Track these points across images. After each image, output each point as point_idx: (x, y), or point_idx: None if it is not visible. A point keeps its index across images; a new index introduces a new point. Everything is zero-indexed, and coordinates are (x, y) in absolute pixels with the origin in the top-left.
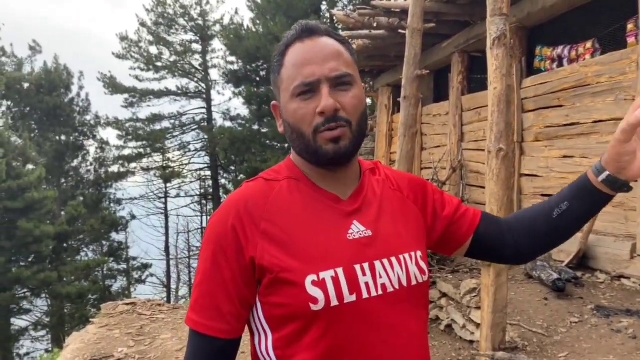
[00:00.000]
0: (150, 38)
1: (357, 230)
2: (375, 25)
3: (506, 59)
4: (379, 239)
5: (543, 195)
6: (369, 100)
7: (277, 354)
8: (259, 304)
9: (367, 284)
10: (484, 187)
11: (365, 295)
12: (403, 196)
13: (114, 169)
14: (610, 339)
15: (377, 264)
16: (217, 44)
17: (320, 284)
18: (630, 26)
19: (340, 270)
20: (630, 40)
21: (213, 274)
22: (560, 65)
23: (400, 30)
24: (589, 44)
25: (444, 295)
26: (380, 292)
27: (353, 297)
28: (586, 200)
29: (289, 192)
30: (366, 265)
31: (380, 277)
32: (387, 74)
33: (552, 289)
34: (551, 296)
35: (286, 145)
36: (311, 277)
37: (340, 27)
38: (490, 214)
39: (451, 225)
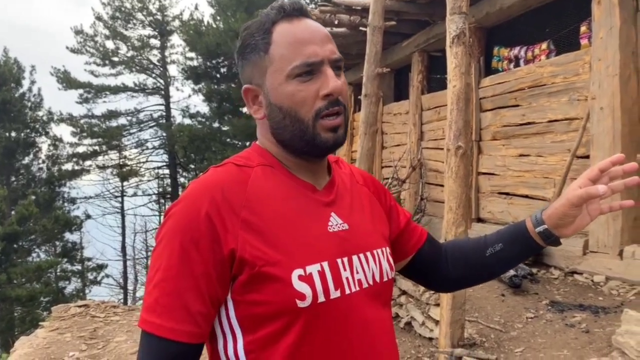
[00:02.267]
0: (107, 32)
1: (336, 222)
2: (336, 22)
3: (465, 57)
4: (355, 232)
5: (500, 193)
6: None
7: (250, 357)
8: (230, 303)
9: (347, 279)
10: (443, 185)
11: (347, 290)
12: (370, 192)
13: (68, 166)
14: (564, 333)
15: (355, 258)
16: (176, 39)
17: (307, 279)
18: (583, 28)
19: (325, 265)
20: (584, 42)
21: (180, 269)
22: (517, 65)
23: (361, 28)
24: (544, 45)
25: (404, 292)
26: (357, 288)
27: (338, 293)
28: (519, 246)
29: (265, 180)
30: (346, 260)
31: (357, 272)
32: (348, 72)
33: (508, 285)
34: (508, 292)
35: (248, 143)
36: (298, 272)
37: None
38: (433, 237)
39: (402, 236)
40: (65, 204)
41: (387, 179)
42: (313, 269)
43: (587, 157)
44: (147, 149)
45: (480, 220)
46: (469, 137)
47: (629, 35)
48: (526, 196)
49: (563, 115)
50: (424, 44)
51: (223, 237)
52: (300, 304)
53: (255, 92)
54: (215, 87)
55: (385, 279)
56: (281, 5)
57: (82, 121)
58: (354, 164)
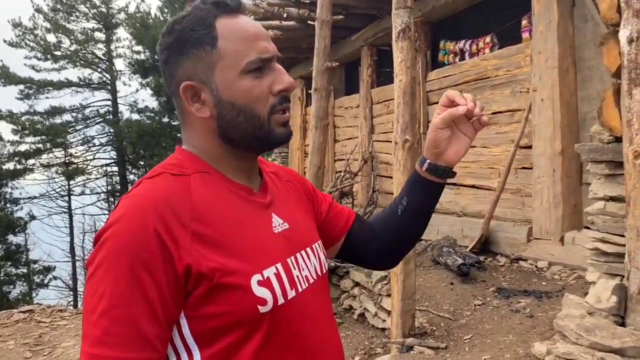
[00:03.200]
0: (48, 25)
1: (278, 223)
2: (285, 15)
3: (411, 52)
4: (295, 230)
5: (447, 184)
6: None
7: None
8: (183, 320)
9: (297, 277)
10: (391, 177)
11: (300, 288)
12: (295, 187)
13: (9, 166)
14: (510, 319)
15: (299, 256)
16: (122, 32)
17: (266, 283)
18: (524, 22)
19: (279, 266)
20: (525, 35)
21: (131, 295)
22: (463, 58)
23: (309, 22)
24: (488, 39)
25: (357, 284)
26: (306, 285)
27: (293, 292)
28: (420, 192)
29: (205, 187)
30: (293, 259)
31: (303, 269)
32: (299, 66)
33: (457, 273)
34: (457, 281)
35: None
36: (256, 277)
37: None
38: (362, 217)
39: (328, 222)
40: (8, 205)
41: (340, 172)
42: (270, 272)
43: (530, 147)
44: (94, 145)
45: None
46: (416, 130)
47: (567, 29)
48: (473, 186)
49: (506, 107)
50: (372, 38)
51: (175, 254)
52: (262, 309)
53: (196, 89)
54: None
55: (324, 270)
56: (219, 2)
57: (23, 118)
58: (307, 157)
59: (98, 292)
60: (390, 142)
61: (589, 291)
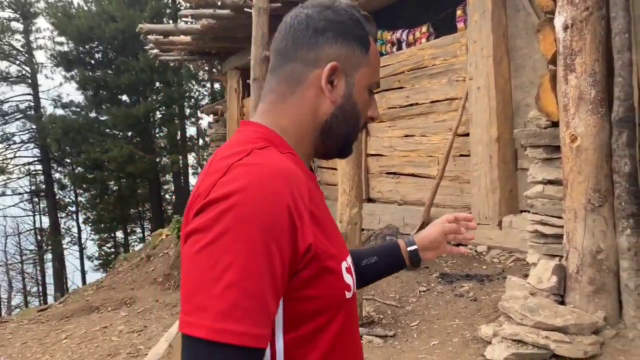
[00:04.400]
0: None
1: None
2: (219, 4)
3: None
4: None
5: (388, 173)
6: (217, 85)
7: (289, 355)
8: (280, 303)
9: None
10: (334, 169)
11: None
12: None
13: None
14: (455, 303)
15: None
16: (42, 22)
17: (348, 270)
18: (459, 12)
19: (349, 257)
20: (460, 25)
21: (264, 269)
22: (400, 48)
23: (246, 9)
24: (424, 29)
25: None
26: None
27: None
28: (391, 261)
29: (299, 168)
30: None
31: None
32: (235, 56)
33: None
34: None
35: (130, 133)
36: (344, 264)
37: (182, 6)
38: None
39: None
40: None
41: None
42: (349, 260)
43: (467, 135)
44: (15, 143)
45: (370, 200)
46: None
47: (500, 18)
48: (412, 175)
49: (444, 96)
50: None
51: (300, 232)
52: (347, 295)
53: (339, 74)
54: (90, 74)
55: None
56: (372, 23)
57: None
58: None
59: (223, 262)
60: None
61: (530, 272)
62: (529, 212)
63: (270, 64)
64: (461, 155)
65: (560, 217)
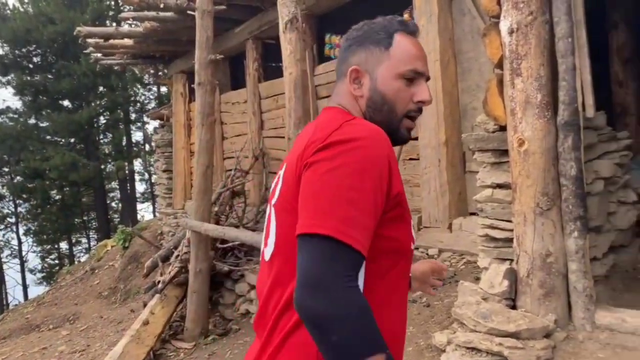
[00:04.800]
0: None
1: None
2: (162, 6)
3: (299, 43)
4: None
5: None
6: (164, 89)
7: (367, 282)
8: None
9: None
10: None
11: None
12: None
13: None
14: (408, 309)
15: None
16: None
17: (412, 228)
18: (406, 16)
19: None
20: None
21: (372, 197)
22: None
23: (189, 12)
24: None
25: (254, 287)
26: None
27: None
28: None
29: None
30: None
31: None
32: (180, 59)
33: None
34: None
35: (72, 140)
36: (412, 221)
37: (124, 8)
38: None
39: None
40: None
41: (230, 170)
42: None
43: (416, 138)
44: None
45: None
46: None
47: (447, 22)
48: None
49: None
50: (257, 30)
51: (394, 180)
52: (412, 246)
53: (361, 74)
54: (29, 78)
55: None
56: (404, 21)
57: None
58: (193, 157)
59: (351, 183)
60: (282, 137)
61: (482, 277)
62: (478, 214)
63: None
64: (411, 159)
65: (510, 221)
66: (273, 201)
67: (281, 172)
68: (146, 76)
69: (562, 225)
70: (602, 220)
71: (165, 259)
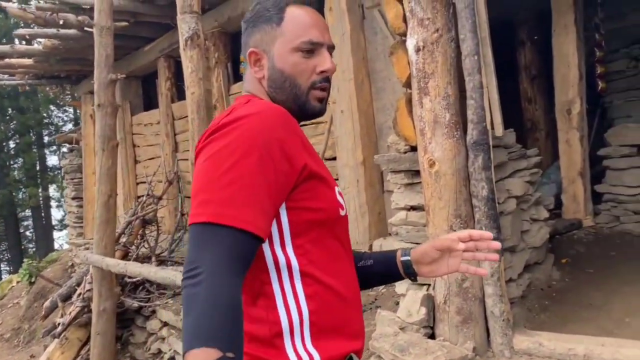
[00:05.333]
0: None
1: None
2: (61, 22)
3: (202, 61)
4: None
5: None
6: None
7: (299, 257)
8: (283, 211)
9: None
10: None
11: (343, 212)
12: None
13: None
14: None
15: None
16: None
17: (340, 194)
18: None
19: (337, 188)
20: None
21: (256, 172)
22: None
23: (86, 29)
24: None
25: (165, 324)
26: (344, 213)
27: (344, 212)
28: (384, 267)
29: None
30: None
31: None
32: (88, 79)
33: None
34: None
35: None
36: (337, 188)
37: (20, 23)
38: None
39: None
40: None
41: (141, 196)
42: (337, 189)
43: (334, 158)
44: None
45: None
46: None
47: (359, 41)
48: None
49: (309, 120)
50: (168, 48)
51: (294, 153)
52: (341, 212)
53: (259, 55)
54: None
55: None
56: None
57: None
58: (95, 185)
59: (226, 163)
60: None
61: (400, 304)
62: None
63: None
64: None
65: None
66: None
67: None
68: (62, 96)
69: None
70: (516, 240)
71: (67, 297)
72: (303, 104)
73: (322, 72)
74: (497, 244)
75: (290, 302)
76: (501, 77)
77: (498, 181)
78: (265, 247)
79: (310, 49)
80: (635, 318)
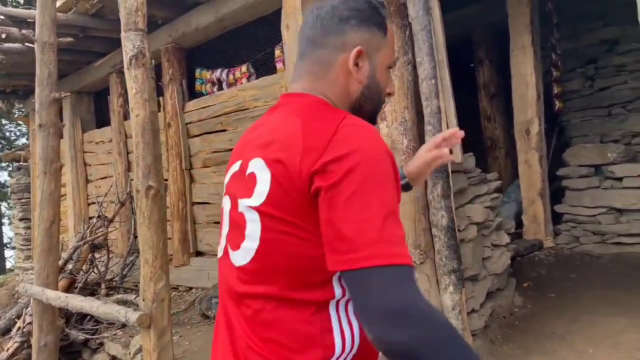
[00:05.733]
0: None
1: None
2: (4, 36)
3: (148, 82)
4: None
5: (216, 222)
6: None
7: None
8: None
9: None
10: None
11: None
12: None
13: None
14: None
15: None
16: None
17: None
18: (277, 52)
19: None
20: (279, 65)
21: (395, 205)
22: (221, 88)
23: (27, 44)
24: (244, 68)
25: (114, 358)
26: None
27: None
28: None
29: None
30: None
31: None
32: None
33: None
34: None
35: None
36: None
37: None
38: None
39: None
40: None
41: (92, 218)
42: None
43: None
44: None
45: (199, 253)
46: (160, 175)
47: None
48: None
49: None
50: (120, 64)
51: (397, 182)
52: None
53: (363, 57)
54: None
55: None
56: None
57: None
58: (35, 211)
59: (372, 203)
60: None
61: None
62: None
63: (299, 51)
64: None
65: None
66: (250, 202)
67: (257, 171)
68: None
69: (437, 279)
70: (478, 268)
71: (6, 331)
72: (374, 118)
73: (389, 93)
74: (462, 133)
75: (345, 329)
76: (461, 95)
77: (458, 207)
78: (333, 301)
79: (391, 68)
80: (598, 349)
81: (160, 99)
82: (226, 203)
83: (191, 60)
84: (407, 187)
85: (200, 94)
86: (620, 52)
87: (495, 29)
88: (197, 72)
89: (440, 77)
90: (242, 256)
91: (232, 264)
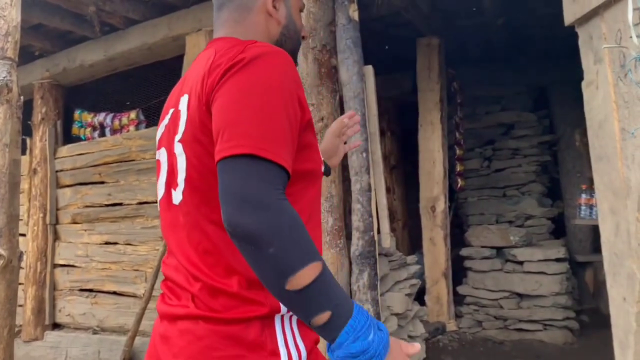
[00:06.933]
0: None
1: None
2: None
3: (12, 121)
4: None
5: (82, 290)
6: None
7: (290, 201)
8: None
9: None
10: None
11: None
12: None
13: None
14: None
15: None
16: None
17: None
18: None
19: None
20: None
21: (285, 114)
22: (103, 134)
23: None
24: (133, 114)
25: None
26: None
27: None
28: None
29: None
30: None
31: None
32: None
33: None
34: None
35: None
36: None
37: None
38: None
39: None
40: None
41: None
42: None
43: None
44: None
45: (57, 326)
46: (16, 240)
47: None
48: (114, 292)
49: (154, 197)
50: None
51: (304, 103)
52: (323, 169)
53: (279, 0)
54: None
55: None
56: None
57: None
58: None
59: (256, 102)
60: None
61: None
62: None
63: (216, 3)
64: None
65: None
66: (177, 137)
67: (182, 107)
68: None
69: None
70: None
71: None
72: (295, 57)
73: (303, 37)
74: (359, 117)
75: None
76: None
77: (380, 295)
78: None
79: (302, 10)
80: None
81: (28, 140)
82: (162, 154)
83: (71, 99)
84: (326, 170)
85: (78, 139)
86: (515, 136)
87: (399, 102)
88: (77, 113)
89: (371, 151)
90: (180, 192)
91: (175, 205)
